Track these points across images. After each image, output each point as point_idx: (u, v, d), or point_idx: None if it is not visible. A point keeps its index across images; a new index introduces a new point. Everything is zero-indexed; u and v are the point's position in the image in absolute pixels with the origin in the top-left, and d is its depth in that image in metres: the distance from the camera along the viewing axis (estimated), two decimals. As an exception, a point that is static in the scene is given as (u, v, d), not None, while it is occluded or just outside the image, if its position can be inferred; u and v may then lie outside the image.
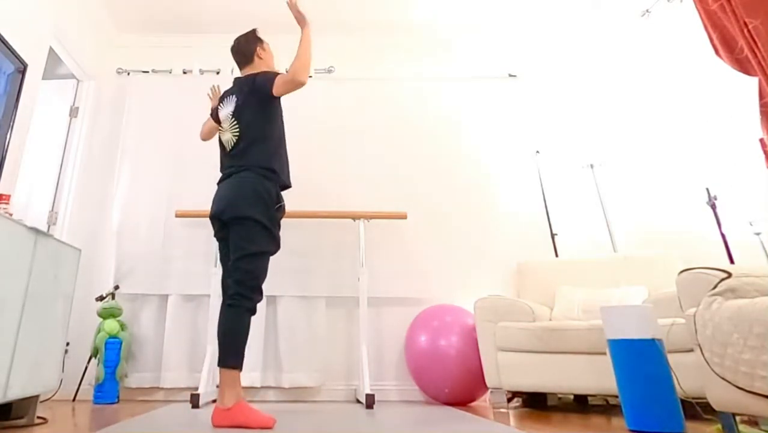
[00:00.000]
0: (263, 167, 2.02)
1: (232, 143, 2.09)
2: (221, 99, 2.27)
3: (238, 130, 2.08)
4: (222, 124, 2.18)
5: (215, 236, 2.13)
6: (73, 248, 2.18)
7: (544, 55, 3.68)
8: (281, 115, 2.18)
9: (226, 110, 2.17)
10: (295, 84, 2.00)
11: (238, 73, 3.36)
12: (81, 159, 3.23)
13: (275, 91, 2.04)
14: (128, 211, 3.13)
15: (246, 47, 2.28)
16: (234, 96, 2.16)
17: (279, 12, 3.42)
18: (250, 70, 2.25)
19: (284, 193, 2.11)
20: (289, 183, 2.14)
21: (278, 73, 2.10)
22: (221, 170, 2.15)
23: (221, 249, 2.11)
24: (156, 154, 3.27)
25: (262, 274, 1.95)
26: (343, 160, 3.32)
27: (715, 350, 1.52)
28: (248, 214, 1.92)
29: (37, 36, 2.66)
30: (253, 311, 1.91)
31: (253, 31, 2.33)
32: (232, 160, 2.09)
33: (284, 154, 2.15)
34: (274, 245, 2.02)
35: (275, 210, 2.02)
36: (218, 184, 2.12)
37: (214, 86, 2.49)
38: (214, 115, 2.31)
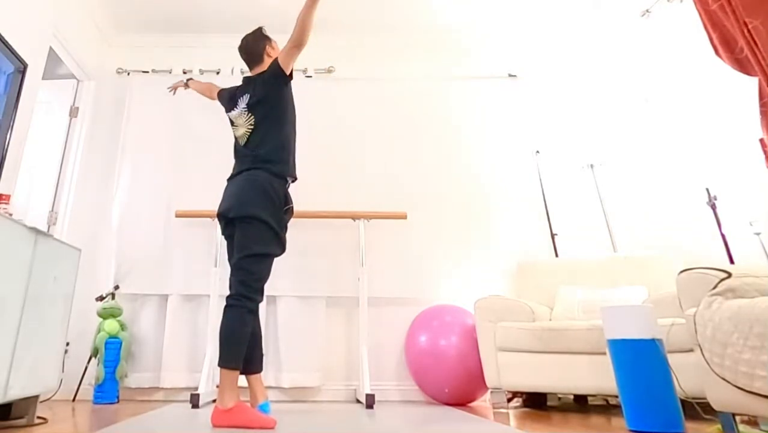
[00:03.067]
0: (275, 160, 2.01)
1: (247, 137, 2.08)
2: (231, 99, 2.23)
3: (253, 121, 2.08)
4: (236, 121, 2.16)
5: (222, 233, 2.11)
6: (73, 248, 2.18)
7: (544, 55, 3.68)
8: (293, 104, 2.18)
9: (239, 109, 2.15)
10: (299, 46, 2.01)
11: (238, 73, 3.41)
12: (81, 159, 3.23)
13: (283, 64, 2.05)
14: (128, 211, 3.13)
15: (254, 46, 2.25)
16: (246, 94, 2.15)
17: (279, 11, 3.44)
18: (260, 69, 2.21)
19: None
20: (296, 176, 2.13)
21: (276, 56, 2.13)
22: (234, 167, 2.13)
23: (229, 248, 2.08)
24: (156, 154, 3.27)
25: (265, 275, 1.94)
26: (343, 160, 3.32)
27: (715, 350, 1.52)
28: (256, 213, 1.91)
29: (37, 36, 2.66)
30: (255, 312, 1.90)
31: (260, 29, 2.30)
32: (244, 156, 2.07)
33: (294, 145, 2.15)
34: (280, 248, 2.01)
35: (283, 212, 2.01)
36: (228, 180, 2.10)
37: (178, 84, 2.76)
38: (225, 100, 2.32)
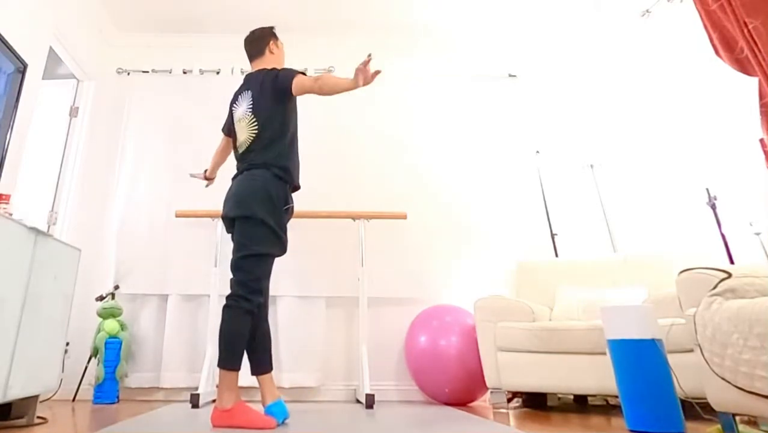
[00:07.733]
0: (278, 166, 1.97)
1: (251, 141, 2.03)
2: (234, 98, 2.23)
3: (256, 125, 2.03)
4: (239, 124, 2.12)
5: (227, 232, 2.06)
6: (73, 248, 2.18)
7: (544, 55, 3.68)
8: (296, 112, 2.15)
9: (242, 108, 2.12)
10: (316, 93, 1.99)
11: (238, 73, 3.42)
12: (81, 159, 3.22)
13: (294, 88, 2.02)
14: (128, 211, 3.13)
15: (260, 39, 2.28)
16: (249, 92, 2.12)
17: (279, 12, 3.44)
18: (260, 64, 2.23)
19: None
20: (299, 184, 2.10)
21: (300, 72, 2.07)
22: (236, 166, 2.10)
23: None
24: (156, 154, 3.27)
25: (264, 276, 1.92)
26: (343, 161, 3.32)
27: (715, 350, 1.52)
28: (254, 212, 1.88)
29: (37, 36, 2.66)
30: (253, 313, 1.87)
31: (270, 27, 2.33)
32: (247, 157, 2.03)
33: (297, 154, 2.12)
34: (280, 248, 1.97)
35: (283, 211, 1.98)
36: (232, 179, 2.08)
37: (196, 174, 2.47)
38: (228, 125, 2.28)
